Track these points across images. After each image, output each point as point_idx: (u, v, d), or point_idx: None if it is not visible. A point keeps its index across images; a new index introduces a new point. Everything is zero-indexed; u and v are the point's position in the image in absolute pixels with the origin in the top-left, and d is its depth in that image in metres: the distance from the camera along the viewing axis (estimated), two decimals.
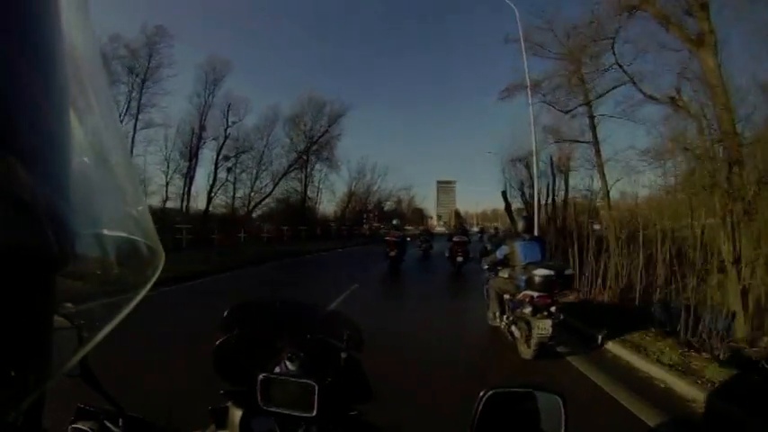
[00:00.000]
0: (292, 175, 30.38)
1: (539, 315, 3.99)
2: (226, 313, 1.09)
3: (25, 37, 0.26)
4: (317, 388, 0.89)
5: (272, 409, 0.91)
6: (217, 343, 1.04)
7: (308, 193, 32.37)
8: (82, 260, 0.32)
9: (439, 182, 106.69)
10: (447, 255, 11.65)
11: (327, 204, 36.02)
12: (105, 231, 0.38)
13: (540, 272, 4.10)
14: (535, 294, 4.07)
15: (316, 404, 0.89)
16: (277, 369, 0.97)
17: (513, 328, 4.38)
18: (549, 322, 3.94)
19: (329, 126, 31.74)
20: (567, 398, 0.83)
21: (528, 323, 4.09)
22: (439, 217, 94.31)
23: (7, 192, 0.23)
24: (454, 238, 11.72)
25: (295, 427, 0.92)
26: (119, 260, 0.39)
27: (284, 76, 69.57)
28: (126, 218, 0.42)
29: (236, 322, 1.09)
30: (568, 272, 4.40)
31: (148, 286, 0.41)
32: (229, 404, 0.95)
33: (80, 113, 0.33)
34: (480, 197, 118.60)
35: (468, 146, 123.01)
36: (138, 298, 0.39)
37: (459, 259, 11.24)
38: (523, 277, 4.24)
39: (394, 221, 14.05)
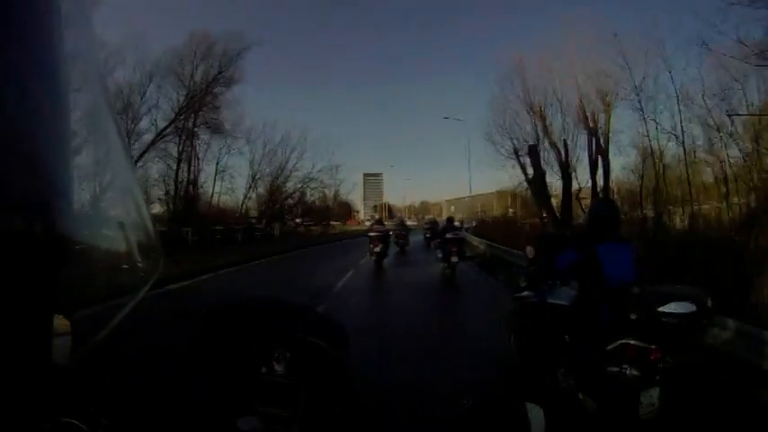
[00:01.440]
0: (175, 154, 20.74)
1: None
2: (213, 312, 1.14)
3: (25, 37, 0.26)
4: (302, 388, 0.96)
5: (259, 409, 0.93)
6: (202, 342, 1.08)
7: (203, 181, 23.09)
8: (82, 260, 0.33)
9: (366, 174, 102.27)
10: (440, 255, 9.82)
11: (234, 196, 25.85)
12: (105, 231, 0.39)
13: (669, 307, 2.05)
14: (641, 344, 2.15)
15: (301, 403, 0.94)
16: (264, 369, 0.99)
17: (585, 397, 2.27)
18: (657, 391, 2.17)
19: (219, 72, 20.78)
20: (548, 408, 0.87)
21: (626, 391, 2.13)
22: (375, 208, 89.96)
23: (7, 191, 0.23)
24: (447, 235, 9.59)
25: (281, 426, 0.93)
26: (119, 260, 0.39)
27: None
28: (125, 218, 0.41)
29: (222, 322, 1.11)
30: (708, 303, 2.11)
31: (148, 286, 0.41)
32: (215, 404, 0.95)
33: (80, 114, 0.33)
34: (408, 189, 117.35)
35: (403, 134, 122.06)
36: (138, 298, 0.39)
37: (455, 260, 9.39)
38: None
39: (376, 216, 14.10)
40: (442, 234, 10.04)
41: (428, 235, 17.08)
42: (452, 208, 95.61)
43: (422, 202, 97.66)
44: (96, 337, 0.35)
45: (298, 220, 32.52)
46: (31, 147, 0.26)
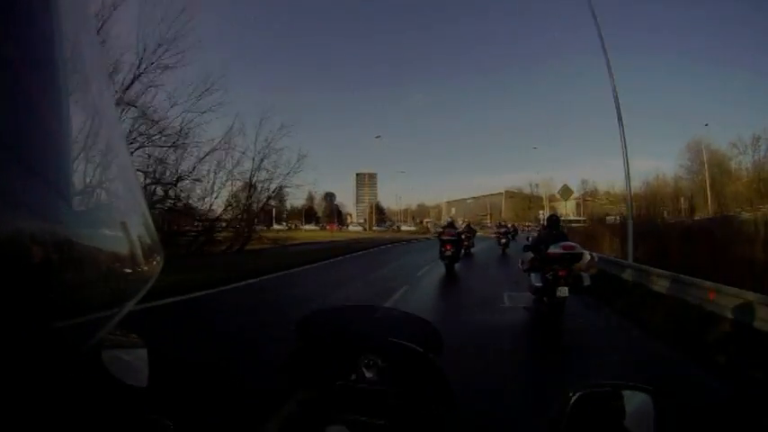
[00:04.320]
0: None
1: None
2: (300, 321, 1.08)
3: (25, 37, 0.26)
4: (394, 394, 0.91)
5: (348, 417, 0.89)
6: (291, 350, 1.04)
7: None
8: (82, 260, 0.32)
9: (359, 174, 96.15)
10: (538, 284, 5.81)
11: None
12: (105, 231, 0.38)
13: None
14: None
15: (394, 411, 0.89)
16: (353, 376, 0.96)
17: None
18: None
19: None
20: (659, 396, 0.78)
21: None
22: (379, 210, 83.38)
23: (7, 191, 0.23)
24: (552, 249, 5.66)
25: None
26: (119, 260, 0.38)
27: None
28: (126, 218, 0.41)
29: (311, 329, 1.08)
30: None
31: (148, 286, 0.41)
32: (302, 413, 0.94)
33: (80, 113, 0.33)
34: (404, 191, 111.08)
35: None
36: (138, 297, 0.39)
37: (563, 293, 5.50)
38: None
39: (448, 220, 14.25)
40: (537, 246, 6.09)
41: (503, 241, 18.80)
42: (453, 210, 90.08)
43: (419, 205, 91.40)
44: (96, 337, 0.35)
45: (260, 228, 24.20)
46: (31, 147, 0.26)
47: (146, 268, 0.41)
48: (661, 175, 42.77)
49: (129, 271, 0.39)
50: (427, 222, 66.61)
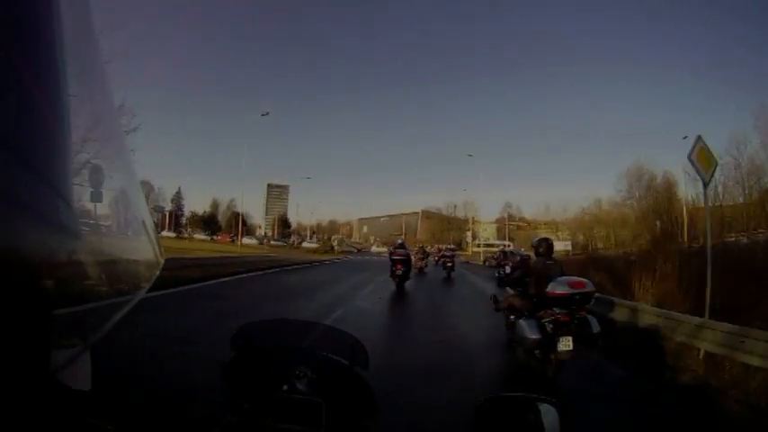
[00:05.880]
0: None
1: None
2: (234, 332, 1.10)
3: (25, 37, 0.26)
4: (324, 405, 0.95)
5: (281, 426, 0.93)
6: (226, 361, 1.08)
7: None
8: (82, 260, 0.32)
9: (270, 186, 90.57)
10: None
11: None
12: (105, 231, 0.38)
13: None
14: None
15: (324, 421, 0.94)
16: (285, 387, 0.99)
17: None
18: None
19: None
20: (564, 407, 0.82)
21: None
22: (289, 224, 77.58)
23: (7, 192, 0.24)
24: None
25: None
26: (119, 260, 0.38)
27: None
28: (126, 218, 0.42)
29: (245, 341, 1.10)
30: None
31: (148, 286, 0.41)
32: (238, 422, 0.94)
33: (80, 114, 0.32)
34: (317, 206, 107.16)
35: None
36: (138, 298, 0.39)
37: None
38: None
39: (399, 241, 13.72)
40: (522, 281, 4.76)
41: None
42: (365, 228, 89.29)
43: (330, 221, 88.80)
44: (96, 337, 0.35)
45: None
46: (31, 147, 0.26)
47: (146, 267, 0.40)
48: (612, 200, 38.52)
49: (129, 270, 0.38)
50: (334, 239, 59.36)
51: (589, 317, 4.13)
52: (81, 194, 0.32)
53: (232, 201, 69.52)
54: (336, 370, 1.03)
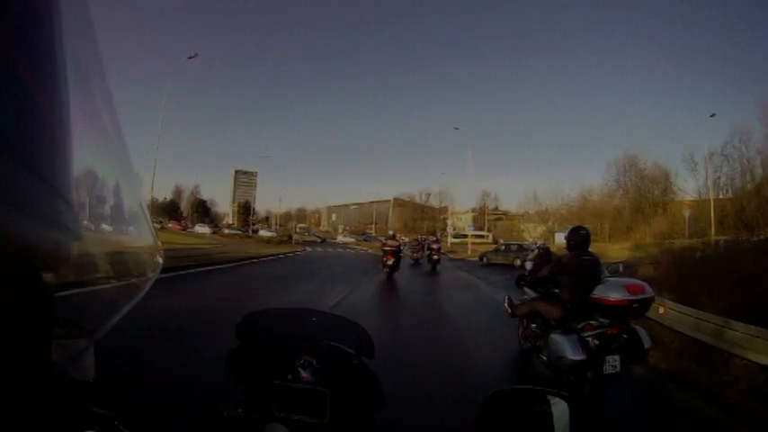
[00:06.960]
0: None
1: None
2: (239, 321, 1.10)
3: (25, 37, 0.26)
4: (329, 394, 0.95)
5: (285, 416, 0.94)
6: (230, 350, 1.09)
7: None
8: (82, 259, 0.32)
9: (238, 171, 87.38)
10: None
11: None
12: (105, 230, 0.38)
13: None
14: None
15: (328, 410, 0.94)
16: (290, 376, 1.00)
17: None
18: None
19: None
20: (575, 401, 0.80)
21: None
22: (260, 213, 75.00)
23: (7, 192, 0.24)
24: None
25: None
26: (119, 260, 0.38)
27: None
28: (126, 217, 0.42)
29: (249, 330, 1.09)
30: None
31: (149, 285, 0.41)
32: (242, 411, 0.96)
33: (80, 114, 0.33)
34: (284, 193, 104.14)
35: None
36: (139, 297, 0.39)
37: None
38: None
39: (390, 232, 13.66)
40: (552, 280, 3.92)
41: (435, 258, 16.27)
42: (334, 216, 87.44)
43: (299, 209, 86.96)
44: (96, 337, 0.35)
45: None
46: (31, 147, 0.26)
47: (146, 267, 0.40)
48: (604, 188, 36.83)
49: (133, 264, 0.39)
50: (291, 225, 51.77)
51: (638, 328, 3.29)
52: (81, 194, 0.32)
53: (196, 187, 66.81)
54: (341, 360, 1.04)
